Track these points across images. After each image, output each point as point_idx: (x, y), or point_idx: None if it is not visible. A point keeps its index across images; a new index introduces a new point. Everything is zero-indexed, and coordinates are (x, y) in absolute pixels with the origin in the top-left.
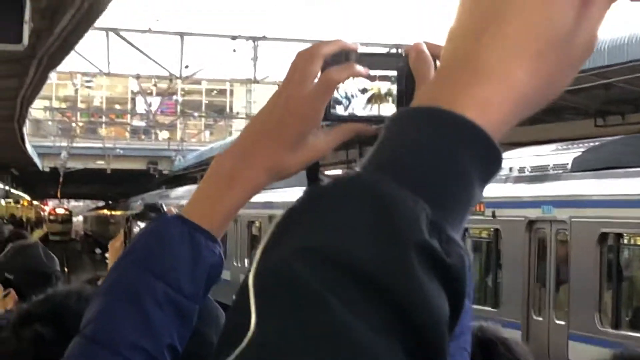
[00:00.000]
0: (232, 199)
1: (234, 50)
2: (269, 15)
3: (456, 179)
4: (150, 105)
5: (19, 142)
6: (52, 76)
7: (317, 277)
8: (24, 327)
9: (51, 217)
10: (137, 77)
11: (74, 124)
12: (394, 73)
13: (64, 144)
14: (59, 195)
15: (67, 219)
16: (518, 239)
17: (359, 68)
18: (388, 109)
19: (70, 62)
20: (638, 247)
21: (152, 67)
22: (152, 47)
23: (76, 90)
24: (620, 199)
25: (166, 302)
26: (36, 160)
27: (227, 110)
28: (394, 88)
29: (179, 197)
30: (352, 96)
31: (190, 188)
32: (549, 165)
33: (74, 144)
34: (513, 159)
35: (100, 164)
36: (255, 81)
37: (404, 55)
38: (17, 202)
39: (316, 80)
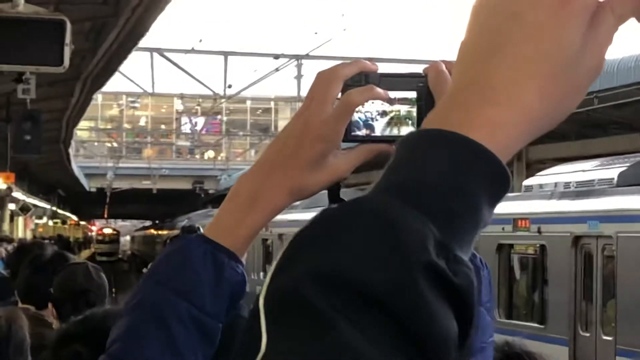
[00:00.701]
0: (253, 219)
1: (277, 69)
2: (312, 33)
3: (464, 200)
4: (195, 124)
5: (65, 163)
6: (98, 97)
7: (326, 300)
8: (63, 347)
9: (99, 237)
10: (182, 96)
11: (119, 145)
12: (413, 94)
13: (110, 164)
14: (105, 216)
15: (114, 239)
16: (564, 254)
17: (379, 91)
18: (408, 130)
19: (115, 83)
20: None
21: (196, 87)
22: (196, 66)
23: (121, 111)
24: None
25: (190, 321)
26: (82, 180)
27: (272, 128)
28: (413, 110)
29: None
30: (373, 119)
31: None
32: (594, 180)
33: (120, 164)
34: (558, 175)
35: (146, 183)
36: (300, 99)
37: (423, 75)
38: (64, 222)
39: (336, 102)
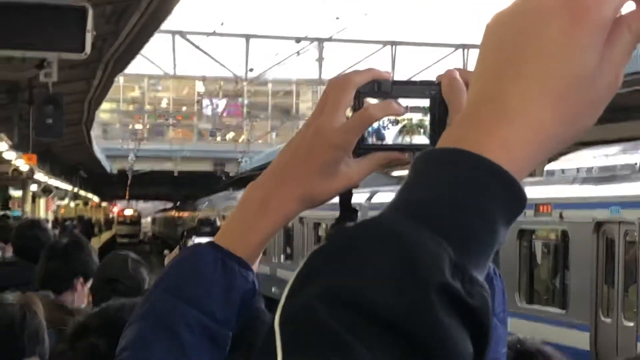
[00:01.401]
0: (264, 227)
1: (298, 53)
2: (334, 17)
3: (479, 220)
4: (216, 107)
5: (86, 145)
6: (119, 79)
7: (340, 321)
8: (79, 339)
9: (120, 219)
10: (203, 79)
11: (141, 126)
12: (426, 102)
13: (132, 146)
14: (127, 197)
15: (135, 221)
16: (586, 240)
17: (397, 107)
18: (420, 138)
19: (137, 65)
20: None
21: (217, 69)
22: (218, 49)
23: (143, 93)
24: None
25: (199, 329)
26: (104, 162)
27: (294, 111)
28: (425, 118)
29: None
30: (385, 127)
31: None
32: (616, 165)
33: (141, 146)
34: (580, 160)
35: (167, 165)
36: (321, 82)
37: (436, 83)
38: (85, 203)
39: (348, 110)
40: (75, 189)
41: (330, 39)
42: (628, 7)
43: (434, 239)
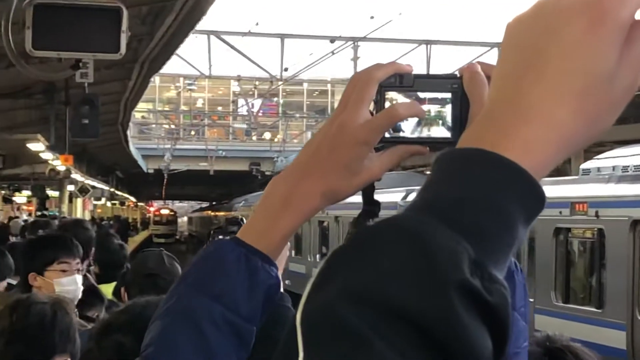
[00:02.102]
0: (287, 222)
1: (333, 53)
2: (368, 17)
3: (498, 218)
4: (252, 106)
5: (123, 145)
6: (155, 79)
7: (361, 319)
8: (105, 337)
9: (156, 218)
10: (238, 79)
11: (176, 126)
12: (448, 95)
13: (167, 145)
14: (163, 197)
15: (172, 220)
16: (622, 238)
17: (422, 110)
18: (440, 130)
19: (172, 65)
20: None
21: (252, 69)
22: (253, 49)
23: (178, 93)
24: None
25: (224, 324)
26: (140, 162)
27: (329, 110)
28: (446, 111)
29: None
30: (405, 120)
31: None
32: None
33: (177, 146)
34: (616, 158)
35: (203, 165)
36: None
37: (458, 76)
38: (122, 203)
39: (371, 103)
40: (112, 189)
41: (364, 38)
42: None
43: (453, 237)
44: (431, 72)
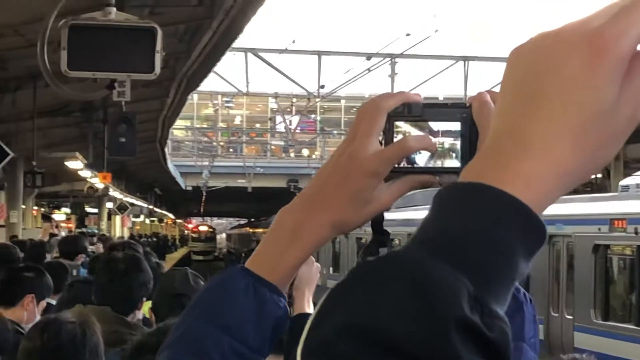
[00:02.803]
0: (296, 252)
1: (369, 70)
2: (404, 34)
3: (498, 254)
4: (289, 123)
5: (161, 162)
6: (193, 97)
7: (359, 355)
8: (137, 358)
9: (194, 235)
10: (276, 96)
11: (214, 143)
12: (457, 125)
13: (206, 163)
14: (201, 213)
15: (210, 237)
16: None
17: (433, 143)
18: (451, 161)
19: (210, 83)
20: None
21: (290, 86)
22: (290, 66)
23: (216, 110)
24: None
25: (232, 355)
26: (178, 179)
27: None
28: (457, 142)
29: None
30: (416, 152)
31: None
32: None
33: (215, 163)
34: None
35: (241, 182)
36: None
37: (467, 105)
38: (160, 220)
39: (380, 133)
40: (150, 206)
41: (401, 55)
42: None
43: (452, 273)
44: (441, 101)
